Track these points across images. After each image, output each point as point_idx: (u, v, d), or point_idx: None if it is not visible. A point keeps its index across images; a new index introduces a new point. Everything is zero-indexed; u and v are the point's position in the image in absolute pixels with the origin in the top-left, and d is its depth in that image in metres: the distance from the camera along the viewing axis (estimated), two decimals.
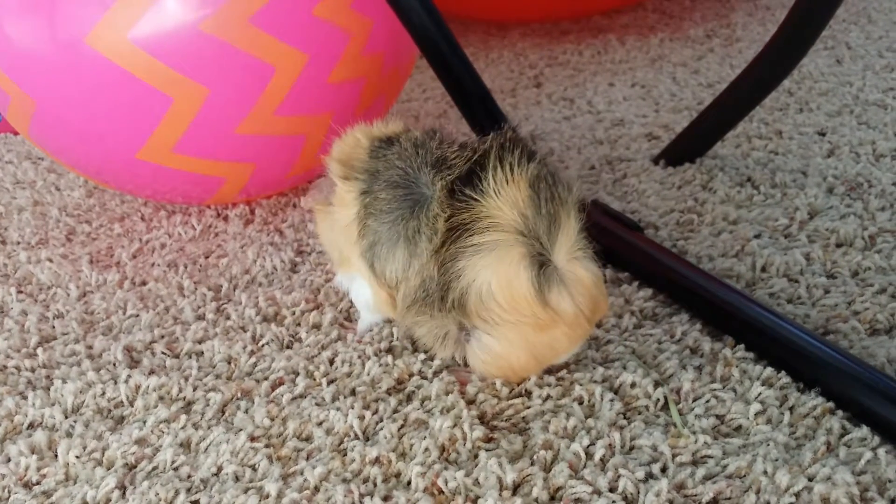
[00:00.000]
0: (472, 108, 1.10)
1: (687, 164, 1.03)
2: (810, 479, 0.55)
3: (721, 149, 1.06)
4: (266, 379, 0.70)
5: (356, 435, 0.63)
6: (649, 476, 0.57)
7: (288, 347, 0.75)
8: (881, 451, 0.56)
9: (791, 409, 0.61)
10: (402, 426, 0.63)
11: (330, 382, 0.69)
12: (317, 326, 0.77)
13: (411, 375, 0.69)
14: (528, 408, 0.64)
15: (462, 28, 1.75)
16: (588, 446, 0.60)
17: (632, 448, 0.60)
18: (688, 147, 1.04)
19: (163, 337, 0.77)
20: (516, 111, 1.29)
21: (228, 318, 0.80)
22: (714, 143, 1.05)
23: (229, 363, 0.73)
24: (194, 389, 0.70)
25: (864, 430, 0.59)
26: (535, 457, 0.59)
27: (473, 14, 1.75)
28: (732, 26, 1.59)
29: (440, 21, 0.92)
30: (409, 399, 0.67)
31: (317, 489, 0.58)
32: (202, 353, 0.75)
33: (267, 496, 0.58)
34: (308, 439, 0.64)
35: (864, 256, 0.79)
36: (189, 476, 0.61)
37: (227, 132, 0.86)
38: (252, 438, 0.64)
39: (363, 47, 0.90)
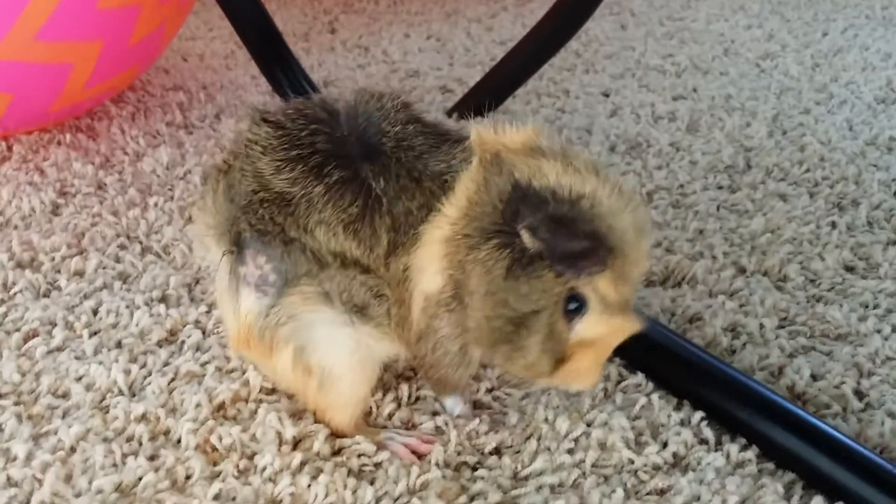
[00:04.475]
0: (261, 51, 1.05)
1: (478, 118, 1.02)
2: (588, 425, 0.56)
3: (512, 105, 1.07)
4: (17, 330, 0.63)
5: (120, 390, 0.58)
6: (437, 430, 0.56)
7: (45, 296, 0.68)
8: (654, 397, 0.58)
9: None
10: (173, 380, 0.59)
11: (92, 334, 0.63)
12: (79, 273, 0.70)
13: (185, 325, 0.64)
14: None
15: None
16: (375, 399, 0.58)
17: (417, 399, 0.58)
18: (480, 101, 1.04)
19: None
20: (309, 56, 1.24)
21: None
22: (505, 99, 1.06)
23: None
24: None
25: (640, 377, 0.60)
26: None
27: None
28: None
29: None
30: (181, 351, 0.62)
31: (73, 449, 0.53)
32: None
33: (14, 458, 0.52)
34: (65, 396, 0.58)
35: None
36: None
37: None
38: None
39: None
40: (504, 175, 0.46)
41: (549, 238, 0.44)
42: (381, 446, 0.53)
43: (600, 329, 0.47)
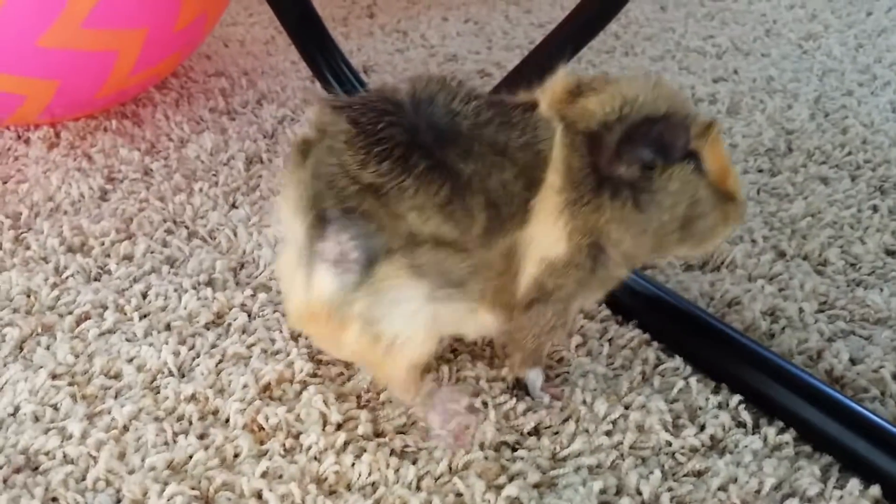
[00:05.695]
0: (301, 36, 1.06)
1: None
2: (626, 408, 0.57)
3: None
4: (70, 313, 0.65)
5: (170, 371, 0.60)
6: (474, 409, 0.57)
7: (96, 280, 0.70)
8: (692, 380, 0.59)
9: (610, 341, 0.63)
10: (221, 361, 0.60)
11: (142, 317, 0.65)
12: (128, 258, 0.72)
13: (232, 308, 0.66)
14: None
15: None
16: None
17: (458, 380, 0.60)
18: (519, 85, 1.04)
19: None
20: (348, 41, 1.25)
21: (28, 248, 0.73)
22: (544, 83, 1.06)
23: (28, 296, 0.67)
24: None
25: (678, 361, 0.61)
26: (361, 395, 0.58)
27: None
28: None
29: None
30: (228, 333, 0.63)
31: (126, 428, 0.55)
32: None
33: (70, 436, 0.54)
34: (117, 377, 0.60)
35: None
36: None
37: (27, 44, 0.78)
38: (53, 376, 0.59)
39: None
40: (583, 130, 0.49)
41: (656, 148, 0.49)
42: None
43: (712, 155, 0.51)
